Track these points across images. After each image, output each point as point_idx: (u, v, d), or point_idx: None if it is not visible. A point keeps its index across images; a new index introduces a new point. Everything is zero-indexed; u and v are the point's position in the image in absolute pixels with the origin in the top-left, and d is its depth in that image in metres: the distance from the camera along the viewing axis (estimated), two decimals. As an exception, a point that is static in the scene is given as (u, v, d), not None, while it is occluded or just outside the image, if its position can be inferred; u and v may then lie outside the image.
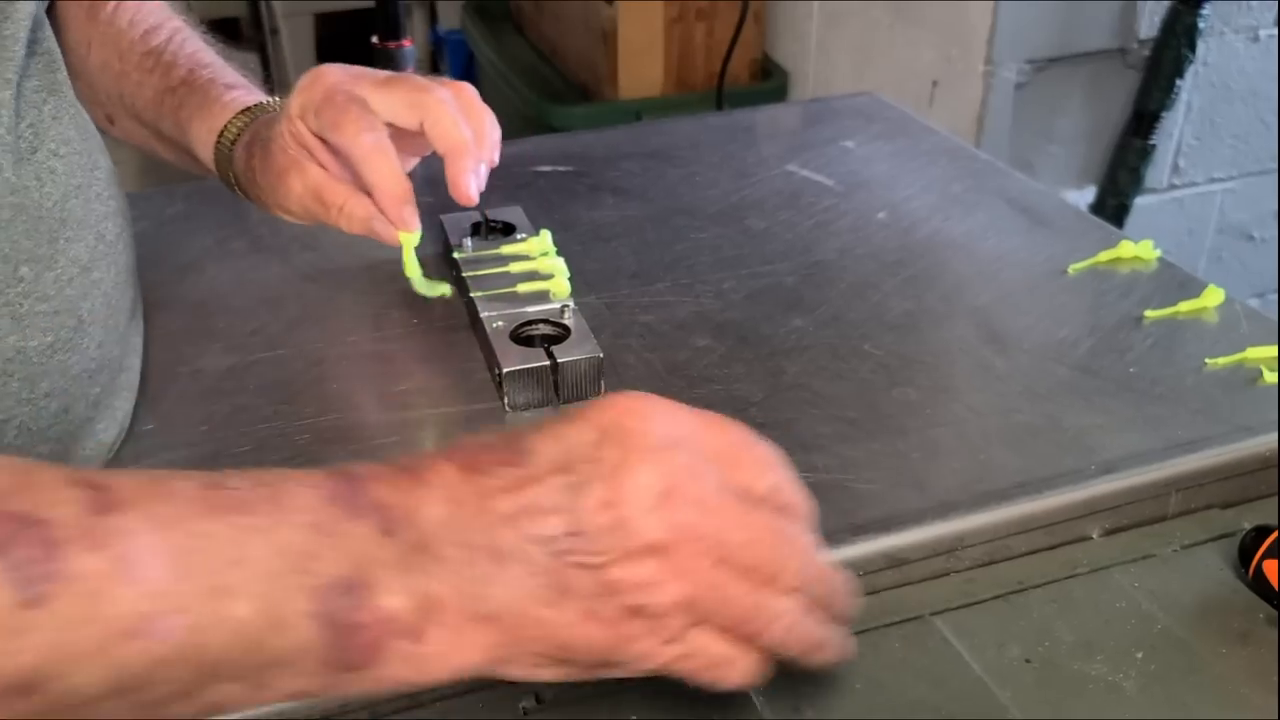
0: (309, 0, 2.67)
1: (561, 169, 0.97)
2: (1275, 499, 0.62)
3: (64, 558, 0.34)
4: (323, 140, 0.68)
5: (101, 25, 0.77)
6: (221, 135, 0.74)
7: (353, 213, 0.69)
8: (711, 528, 0.40)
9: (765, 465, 0.43)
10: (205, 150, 0.75)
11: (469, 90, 0.70)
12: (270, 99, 0.75)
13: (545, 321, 0.69)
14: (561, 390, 0.66)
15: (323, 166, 0.69)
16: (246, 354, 0.71)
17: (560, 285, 0.72)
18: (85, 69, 0.76)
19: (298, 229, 0.86)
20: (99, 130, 0.65)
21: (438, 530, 0.39)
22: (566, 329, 0.69)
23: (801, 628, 0.43)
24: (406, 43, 1.59)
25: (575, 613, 0.39)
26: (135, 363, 0.66)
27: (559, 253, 0.76)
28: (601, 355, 0.66)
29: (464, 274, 0.74)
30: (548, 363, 0.66)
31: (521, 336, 0.69)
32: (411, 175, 1.02)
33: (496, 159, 0.70)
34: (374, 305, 0.77)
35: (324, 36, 2.75)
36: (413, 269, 0.71)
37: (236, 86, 0.76)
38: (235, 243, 0.84)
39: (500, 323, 0.69)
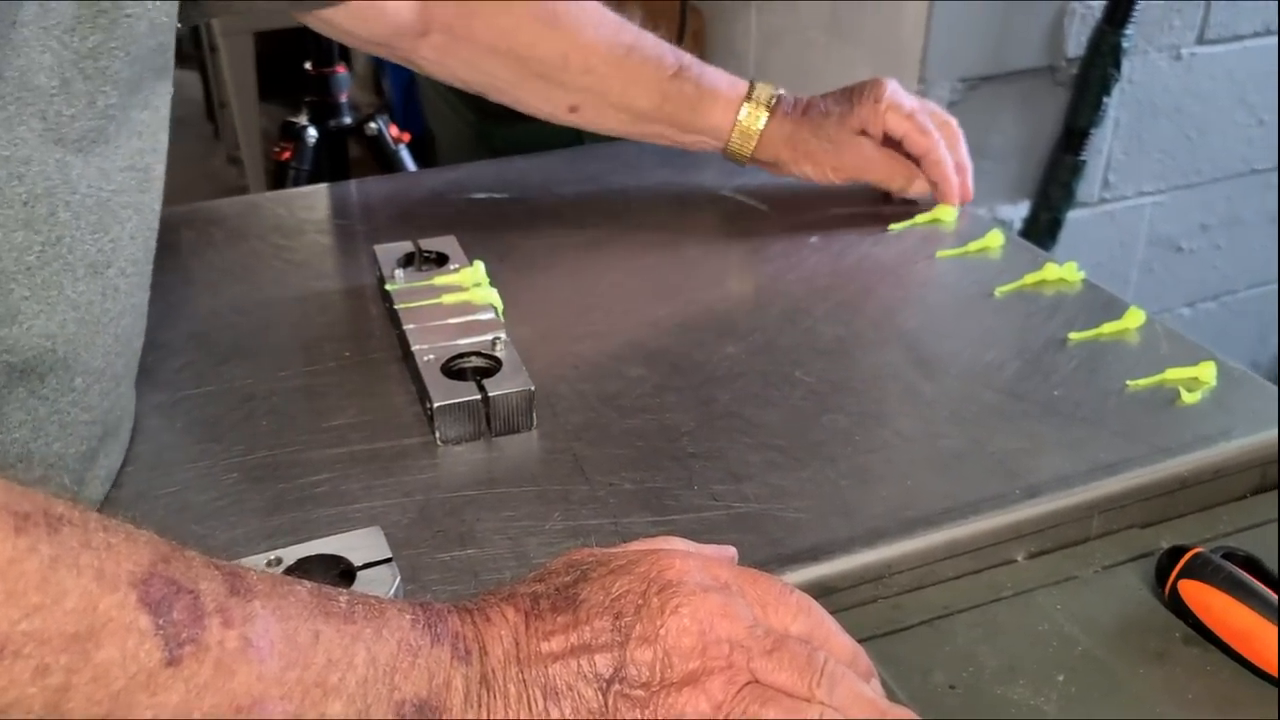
0: (251, 6, 2.63)
1: (498, 196, 0.97)
2: (1189, 518, 0.64)
3: (206, 628, 0.37)
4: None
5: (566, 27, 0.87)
6: (750, 102, 0.90)
7: (918, 181, 0.92)
8: (743, 658, 0.43)
9: (799, 610, 0.47)
10: (723, 118, 0.90)
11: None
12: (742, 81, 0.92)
13: (477, 354, 0.70)
14: (494, 423, 0.66)
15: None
16: (174, 391, 0.71)
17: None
18: (547, 69, 0.87)
19: (227, 261, 0.85)
20: None
21: (499, 667, 0.43)
22: (498, 361, 0.69)
23: None
24: (339, 69, 1.58)
25: None
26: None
27: (493, 283, 0.77)
28: (533, 388, 0.66)
29: (396, 306, 0.74)
30: (479, 396, 0.66)
31: (453, 369, 0.69)
32: (349, 202, 1.02)
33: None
34: (305, 338, 0.76)
35: (263, 55, 2.73)
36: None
37: (715, 72, 0.91)
38: (162, 275, 0.82)
39: (431, 355, 0.69)
